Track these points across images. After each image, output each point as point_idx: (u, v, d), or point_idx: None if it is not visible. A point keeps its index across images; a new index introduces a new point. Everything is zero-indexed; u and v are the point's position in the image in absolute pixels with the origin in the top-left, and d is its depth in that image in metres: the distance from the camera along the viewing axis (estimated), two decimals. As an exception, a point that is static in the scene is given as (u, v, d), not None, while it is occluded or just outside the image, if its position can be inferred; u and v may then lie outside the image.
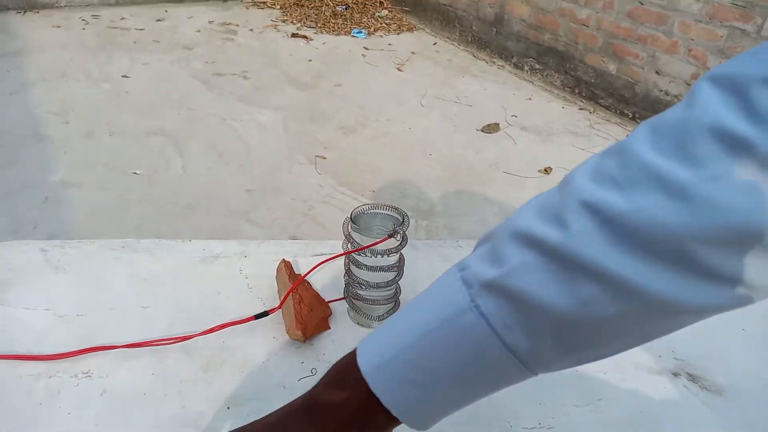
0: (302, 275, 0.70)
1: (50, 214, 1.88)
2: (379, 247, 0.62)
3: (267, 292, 0.73)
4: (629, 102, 2.96)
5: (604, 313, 0.31)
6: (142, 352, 0.63)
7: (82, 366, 0.61)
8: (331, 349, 0.65)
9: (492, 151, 2.52)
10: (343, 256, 0.68)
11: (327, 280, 0.75)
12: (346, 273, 0.69)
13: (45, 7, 4.32)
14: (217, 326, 0.64)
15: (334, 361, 0.64)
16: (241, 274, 0.76)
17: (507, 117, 2.87)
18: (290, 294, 0.66)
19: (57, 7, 4.35)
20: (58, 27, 3.93)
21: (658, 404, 0.61)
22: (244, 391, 0.60)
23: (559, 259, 0.32)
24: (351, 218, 0.64)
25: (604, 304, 0.31)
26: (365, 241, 0.62)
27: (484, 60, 3.79)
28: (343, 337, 0.67)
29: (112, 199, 1.98)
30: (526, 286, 0.33)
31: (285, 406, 0.43)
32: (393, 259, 0.65)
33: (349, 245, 0.64)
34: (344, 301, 0.70)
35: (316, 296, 0.69)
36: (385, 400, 0.35)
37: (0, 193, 1.97)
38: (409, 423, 0.36)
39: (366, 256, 0.63)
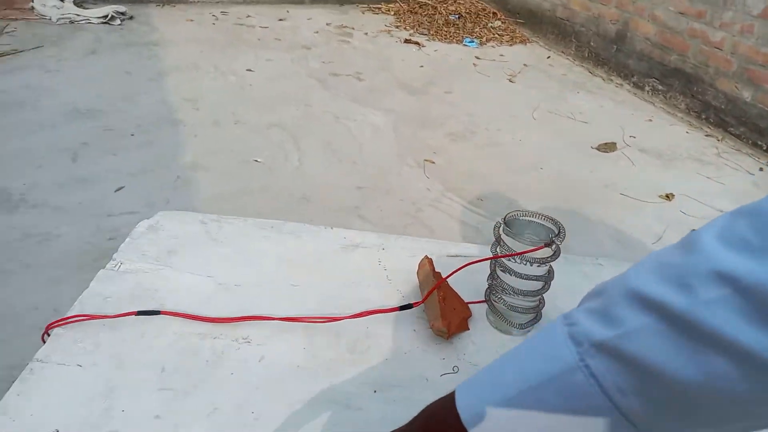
0: (445, 274, 0.72)
1: (181, 193, 2.03)
2: (532, 255, 0.62)
3: (405, 286, 0.75)
4: (764, 133, 2.74)
5: (733, 389, 0.29)
6: (295, 327, 0.67)
7: (241, 332, 0.66)
8: (471, 349, 0.66)
9: (608, 171, 2.42)
10: (488, 259, 0.68)
11: (465, 281, 0.76)
12: (490, 276, 0.69)
13: (180, 1, 4.68)
14: (364, 312, 0.67)
15: (474, 362, 0.65)
16: (380, 266, 0.79)
17: (624, 137, 2.75)
18: (435, 290, 0.67)
19: (191, 2, 4.70)
20: (191, 21, 4.24)
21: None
22: (388, 377, 0.62)
23: (683, 327, 0.30)
24: (504, 222, 0.64)
25: (734, 380, 0.29)
26: (516, 247, 0.63)
27: (600, 77, 3.65)
28: (482, 339, 0.68)
29: (236, 184, 2.11)
30: (643, 352, 0.31)
31: None
32: (543, 269, 0.64)
33: (499, 249, 0.65)
34: (485, 304, 0.71)
35: (458, 296, 0.70)
36: None
37: (138, 170, 2.16)
38: None
39: (516, 262, 0.63)
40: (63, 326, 0.64)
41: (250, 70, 3.30)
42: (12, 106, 2.61)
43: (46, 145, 2.29)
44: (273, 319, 0.67)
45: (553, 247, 0.62)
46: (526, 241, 0.62)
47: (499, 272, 0.66)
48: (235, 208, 1.94)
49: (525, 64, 3.84)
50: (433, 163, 2.39)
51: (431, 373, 0.63)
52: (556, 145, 2.64)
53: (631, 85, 3.50)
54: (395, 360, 0.64)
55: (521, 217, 0.66)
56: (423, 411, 0.40)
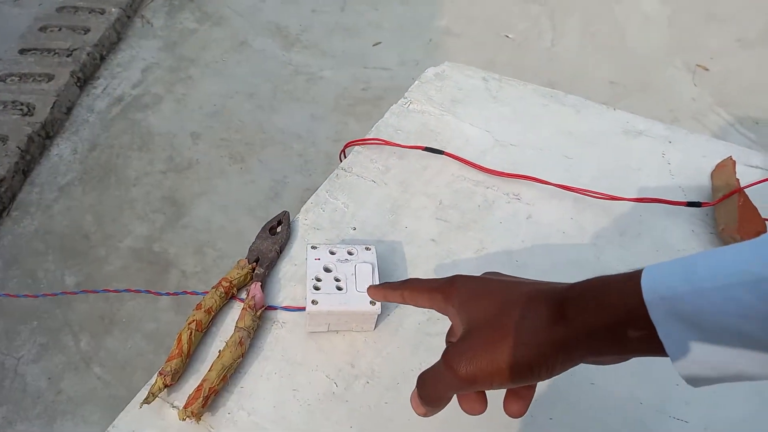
0: (744, 184, 0.64)
1: (430, 56, 2.08)
2: None
3: (690, 184, 0.69)
4: None
5: None
6: (565, 195, 0.67)
7: (513, 188, 0.68)
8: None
9: None
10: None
11: (763, 197, 0.67)
12: (811, 194, 0.60)
13: None
14: (645, 198, 0.64)
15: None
16: (663, 158, 0.73)
17: None
18: (734, 195, 0.61)
19: None
20: None
21: None
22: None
23: None
24: None
25: None
26: None
27: None
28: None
29: (483, 56, 2.08)
30: None
31: (530, 284, 0.38)
32: None
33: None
34: (789, 223, 0.63)
35: (756, 210, 0.63)
36: (663, 332, 0.30)
37: (396, 27, 2.24)
38: (681, 369, 0.31)
39: None
40: (361, 146, 0.73)
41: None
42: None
43: (319, -9, 2.47)
44: (547, 183, 0.67)
45: None
46: None
47: (827, 192, 0.57)
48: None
49: None
50: (707, 69, 2.06)
51: (709, 277, 0.59)
52: None
53: None
54: (666, 254, 0.61)
55: None
56: (587, 282, 0.35)
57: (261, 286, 0.54)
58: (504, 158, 0.72)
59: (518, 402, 0.38)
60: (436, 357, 0.37)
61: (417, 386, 0.38)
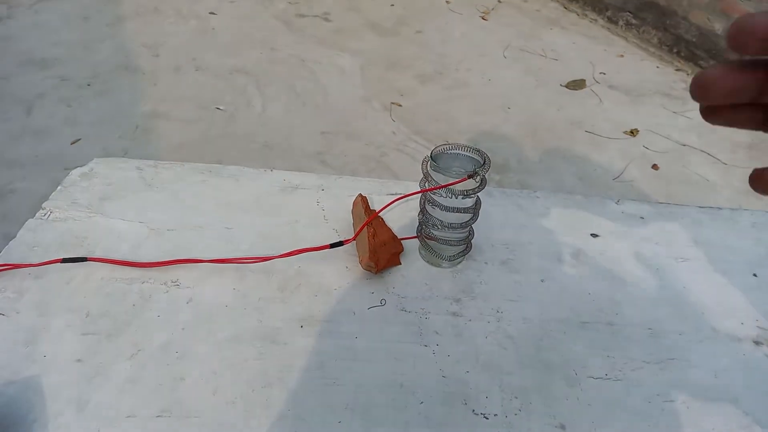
0: (377, 210, 0.72)
1: (139, 143, 1.99)
2: (457, 187, 0.61)
3: (342, 225, 0.75)
4: (733, 65, 2.72)
5: None
6: (226, 268, 0.67)
7: (171, 275, 0.66)
8: (401, 283, 0.67)
9: (575, 108, 2.41)
10: (420, 195, 0.68)
11: (401, 219, 0.76)
12: (420, 212, 0.69)
13: (140, -58, 4.43)
14: (295, 251, 0.67)
15: (402, 295, 0.66)
16: (318, 206, 0.79)
17: (595, 74, 2.72)
18: (365, 227, 0.67)
19: (151, -57, 4.45)
20: (152, -37, 4.03)
21: (734, 370, 0.59)
22: (316, 312, 0.62)
23: None
24: (431, 156, 0.64)
25: None
26: (444, 181, 0.62)
27: (575, 12, 3.57)
28: (412, 273, 0.68)
29: (196, 132, 2.06)
30: None
31: None
32: (470, 201, 0.64)
33: (427, 183, 0.64)
34: (417, 239, 0.71)
35: (390, 232, 0.70)
36: None
37: (95, 120, 2.10)
38: None
39: (443, 196, 0.63)
40: (-14, 276, 0.63)
41: (212, 13, 3.18)
42: (-39, 58, 2.50)
43: (-2, 98, 2.21)
44: (202, 261, 0.66)
45: (477, 178, 0.61)
46: (453, 174, 0.61)
47: (427, 207, 0.66)
48: (196, 156, 1.91)
49: (499, 1, 3.74)
50: (400, 105, 2.35)
51: (359, 307, 0.63)
52: (526, 83, 2.61)
53: (605, 19, 3.44)
54: (324, 296, 0.65)
55: (448, 151, 0.65)
56: None
57: None
58: (161, 246, 0.69)
59: None
60: None
61: None
